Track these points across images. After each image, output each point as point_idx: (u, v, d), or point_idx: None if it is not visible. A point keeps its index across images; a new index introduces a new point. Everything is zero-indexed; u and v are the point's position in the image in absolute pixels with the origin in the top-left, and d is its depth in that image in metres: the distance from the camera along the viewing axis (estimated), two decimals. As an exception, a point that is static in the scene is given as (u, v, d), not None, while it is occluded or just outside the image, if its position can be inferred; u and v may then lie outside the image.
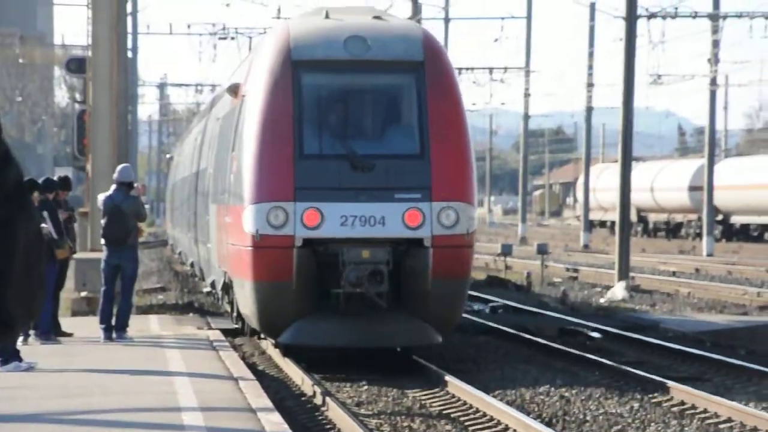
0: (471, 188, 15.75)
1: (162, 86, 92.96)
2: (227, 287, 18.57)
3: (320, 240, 15.36)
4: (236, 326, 19.22)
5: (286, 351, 16.24)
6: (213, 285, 21.20)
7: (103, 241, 17.33)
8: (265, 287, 15.45)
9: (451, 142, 15.65)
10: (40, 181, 16.87)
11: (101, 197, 17.39)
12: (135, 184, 17.53)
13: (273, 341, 16.56)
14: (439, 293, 15.22)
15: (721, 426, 12.42)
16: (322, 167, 15.51)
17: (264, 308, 15.58)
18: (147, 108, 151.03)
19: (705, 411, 13.12)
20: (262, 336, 18.56)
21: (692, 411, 13.22)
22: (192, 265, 28.19)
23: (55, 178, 17.97)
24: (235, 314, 18.74)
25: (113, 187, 17.29)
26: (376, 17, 16.74)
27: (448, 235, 15.35)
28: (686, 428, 12.31)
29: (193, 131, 29.92)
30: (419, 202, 15.38)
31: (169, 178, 48.24)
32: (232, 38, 46.27)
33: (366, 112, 16.27)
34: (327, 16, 16.57)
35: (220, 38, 47.74)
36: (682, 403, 13.62)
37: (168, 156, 68.95)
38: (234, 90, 17.75)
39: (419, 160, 15.55)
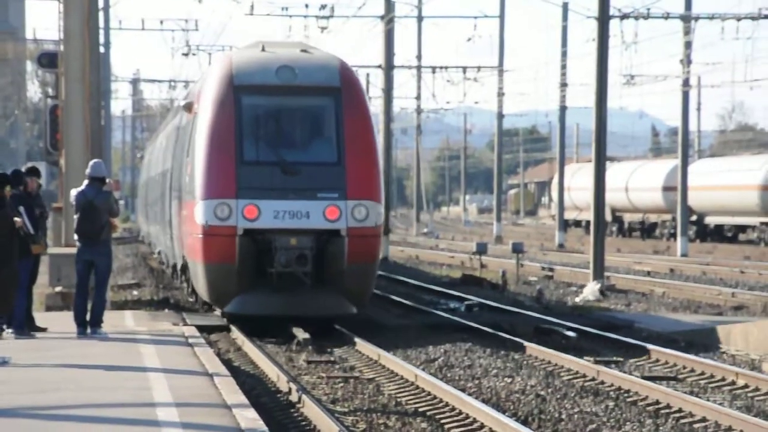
0: (379, 189, 19.71)
1: (135, 82, 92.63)
2: (184, 268, 22.18)
3: (257, 230, 19.20)
4: (191, 299, 23.01)
5: (231, 320, 19.82)
6: (174, 267, 25.47)
7: (76, 236, 17.23)
8: (213, 268, 19.32)
9: (362, 152, 19.58)
10: (9, 174, 16.71)
11: (74, 192, 17.29)
12: (108, 180, 17.44)
13: (221, 311, 20.10)
14: (353, 273, 19.13)
15: (696, 425, 12.44)
16: (258, 171, 19.39)
17: (212, 285, 19.47)
18: (120, 103, 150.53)
19: (680, 410, 13.14)
20: (235, 332, 18.95)
21: (667, 410, 13.25)
22: (159, 253, 32.54)
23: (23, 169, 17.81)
24: (189, 290, 22.84)
25: (86, 182, 17.20)
26: (303, 50, 20.85)
27: (360, 227, 19.25)
28: (661, 427, 12.33)
29: (161, 135, 33.79)
30: (337, 200, 19.27)
31: (141, 176, 52.07)
32: (194, 54, 48.96)
33: (293, 128, 20.11)
34: (263, 49, 20.74)
35: (184, 53, 49.16)
36: (657, 402, 13.64)
37: (139, 155, 69.70)
38: (188, 107, 21.61)
39: (337, 166, 19.50)
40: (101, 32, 37.42)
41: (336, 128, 19.73)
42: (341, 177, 19.40)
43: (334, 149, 19.66)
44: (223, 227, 19.16)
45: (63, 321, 18.10)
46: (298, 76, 19.95)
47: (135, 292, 27.91)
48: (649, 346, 18.15)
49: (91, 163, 17.57)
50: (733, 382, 15.22)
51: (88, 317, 17.01)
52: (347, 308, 19.35)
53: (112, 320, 18.70)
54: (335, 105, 19.79)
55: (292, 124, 20.13)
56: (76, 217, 17.12)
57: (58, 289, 21.84)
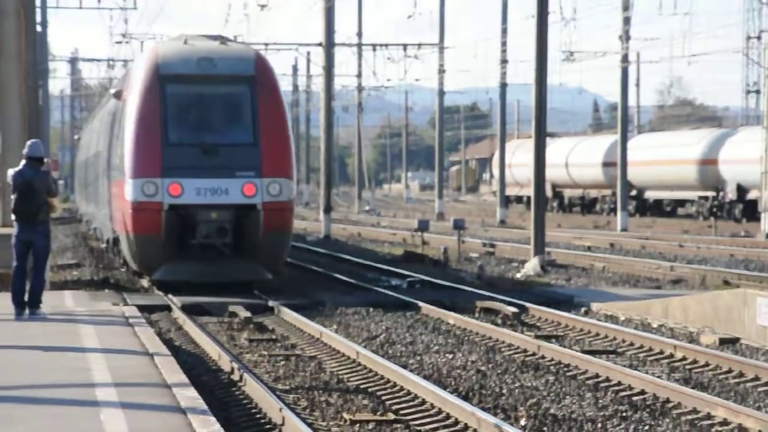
0: (291, 167, 21.66)
1: (73, 61, 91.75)
2: (116, 241, 24.43)
3: (181, 205, 21.19)
4: (122, 270, 25.65)
5: (159, 285, 21.90)
6: (108, 242, 27.49)
7: (13, 216, 17.06)
8: (141, 239, 21.46)
9: (275, 134, 21.57)
10: None
11: (11, 172, 17.10)
12: (46, 160, 17.27)
13: (148, 277, 22.33)
14: (268, 243, 21.30)
15: (635, 398, 12.56)
16: (181, 152, 21.32)
17: (140, 255, 21.70)
18: (59, 83, 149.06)
19: (619, 383, 13.26)
20: (176, 311, 18.92)
21: (606, 384, 13.36)
22: (96, 229, 34.32)
23: None
24: (121, 261, 25.30)
25: (23, 162, 17.02)
26: (222, 43, 22.85)
27: (274, 202, 21.34)
28: (600, 400, 12.43)
29: (96, 118, 36.26)
30: (253, 178, 21.28)
31: (78, 157, 54.84)
32: (127, 42, 50.33)
33: (213, 113, 21.98)
34: (186, 42, 22.75)
35: (118, 41, 49.85)
36: (597, 375, 13.75)
37: (76, 137, 70.33)
38: (118, 95, 23.83)
39: (252, 147, 21.48)
40: (38, 11, 37.01)
41: (251, 113, 21.77)
42: (257, 157, 21.43)
43: (250, 132, 21.66)
44: (150, 203, 21.22)
45: (0, 302, 17.92)
46: (217, 66, 22.01)
47: (75, 273, 27.70)
48: (589, 321, 18.30)
49: (28, 143, 17.37)
50: (672, 355, 15.38)
51: (26, 298, 16.86)
52: (263, 274, 21.62)
53: (52, 301, 18.56)
54: (250, 92, 21.82)
55: (212, 109, 22.01)
56: (13, 197, 16.94)
57: (-5, 270, 21.59)
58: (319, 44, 44.26)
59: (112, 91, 25.36)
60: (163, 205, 21.17)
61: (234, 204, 21.28)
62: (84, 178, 40.03)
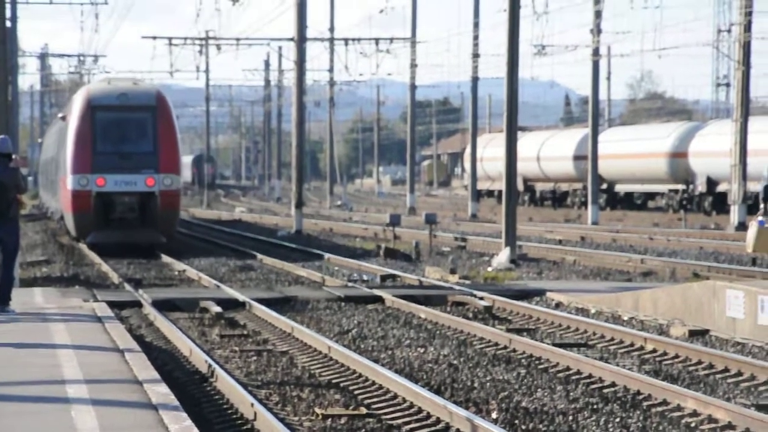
0: (178, 167, 32.28)
1: (43, 56, 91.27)
2: (62, 217, 35.20)
3: (104, 192, 31.54)
4: (67, 236, 36.33)
5: (91, 248, 31.49)
6: (59, 218, 37.86)
7: (-18, 213, 16.95)
8: (77, 216, 32.01)
9: (168, 145, 31.96)
10: None
11: (-21, 169, 16.98)
12: (14, 156, 17.16)
13: (85, 243, 32.37)
14: (163, 217, 31.59)
15: (606, 390, 12.61)
16: (105, 157, 31.64)
17: (77, 226, 32.28)
18: (28, 78, 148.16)
19: (590, 376, 13.31)
20: (146, 307, 18.88)
21: (578, 376, 13.41)
22: (52, 213, 44.54)
23: None
24: (65, 230, 35.98)
25: (-8, 158, 16.90)
26: (134, 83, 34.17)
27: (167, 190, 31.62)
28: (572, 393, 12.48)
29: (53, 129, 47.07)
30: (153, 174, 31.58)
31: (41, 157, 64.12)
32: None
33: (127, 131, 32.17)
34: (109, 83, 34.23)
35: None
36: (568, 368, 13.80)
37: (39, 140, 71.74)
38: (64, 118, 35.19)
39: (153, 154, 31.81)
40: (8, 6, 36.76)
41: (152, 131, 32.09)
42: (155, 160, 31.71)
43: (151, 143, 31.96)
44: (84, 191, 31.58)
45: (-29, 299, 17.79)
46: (130, 99, 32.46)
47: (44, 269, 27.60)
48: (560, 314, 18.35)
49: (-4, 138, 17.27)
50: (642, 347, 15.44)
51: (-4, 295, 16.76)
52: (160, 239, 31.50)
53: (21, 297, 18.47)
54: (152, 117, 32.21)
55: (126, 128, 32.15)
56: (-19, 193, 16.82)
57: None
58: (291, 39, 44.20)
59: (60, 115, 37.58)
60: (92, 192, 31.55)
61: (140, 191, 31.58)
62: (44, 175, 50.87)
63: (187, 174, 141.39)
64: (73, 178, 31.56)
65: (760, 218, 17.77)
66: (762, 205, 17.86)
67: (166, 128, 32.03)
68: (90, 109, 32.04)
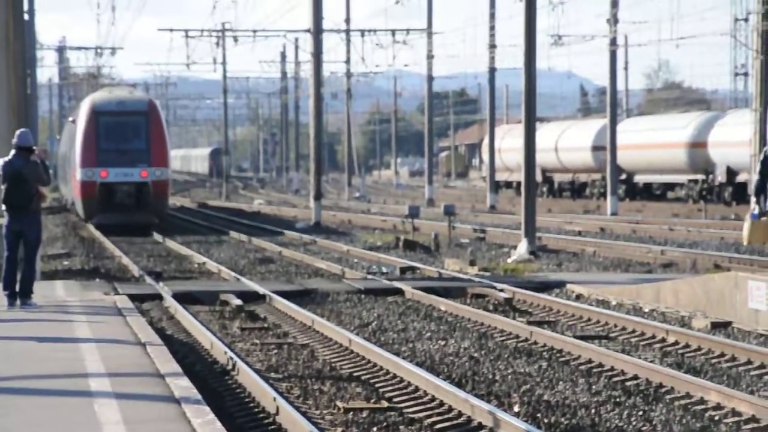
0: (167, 161, 39.62)
1: (61, 49, 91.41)
2: (73, 203, 42.78)
3: (107, 183, 38.74)
4: (77, 218, 44.34)
5: (97, 228, 38.17)
6: (71, 204, 45.04)
7: (3, 207, 16.99)
8: (85, 201, 39.26)
9: (158, 143, 39.23)
10: None
11: (0, 162, 17.03)
12: (35, 149, 17.19)
13: (92, 224, 39.38)
14: (155, 202, 38.78)
15: (628, 383, 12.57)
16: (108, 154, 38.79)
17: (85, 209, 39.56)
18: (47, 71, 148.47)
19: (612, 369, 13.27)
20: (167, 300, 18.90)
21: (599, 369, 13.37)
22: (66, 201, 50.26)
23: None
24: (76, 214, 43.50)
25: (12, 152, 16.94)
26: (130, 92, 42.98)
27: (158, 180, 38.86)
28: (593, 386, 12.45)
29: (66, 130, 53.74)
30: (146, 167, 38.70)
31: (59, 151, 68.99)
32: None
33: (125, 132, 39.31)
34: (110, 92, 42.35)
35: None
36: (590, 361, 13.76)
37: (57, 137, 73.73)
38: (73, 121, 42.68)
39: (146, 151, 38.98)
40: (25, -1, 36.77)
41: (145, 131, 39.35)
42: (148, 156, 38.93)
43: (144, 142, 39.19)
44: (90, 181, 38.96)
45: (-8, 293, 17.85)
46: (127, 106, 40.01)
47: (65, 262, 27.66)
48: (581, 306, 18.30)
49: (17, 132, 17.30)
50: (664, 339, 15.39)
51: (17, 288, 16.81)
52: (153, 219, 38.46)
53: (43, 291, 18.52)
54: (145, 120, 39.45)
55: (124, 130, 39.32)
56: (3, 187, 16.88)
57: (-14, 260, 21.50)
58: (308, 30, 44.18)
59: (70, 119, 45.99)
60: (97, 182, 38.78)
61: (136, 181, 38.77)
62: (62, 168, 57.45)
63: (203, 166, 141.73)
64: (81, 170, 38.92)
65: (754, 212, 17.71)
66: (753, 199, 17.82)
67: (156, 129, 39.38)
68: (94, 114, 39.45)
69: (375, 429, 10.58)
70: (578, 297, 20.37)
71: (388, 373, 12.98)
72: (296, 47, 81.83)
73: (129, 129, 39.26)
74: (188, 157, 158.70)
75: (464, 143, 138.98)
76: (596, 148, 63.75)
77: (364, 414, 11.09)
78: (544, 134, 65.75)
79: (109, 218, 38.22)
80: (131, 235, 36.32)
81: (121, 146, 38.81)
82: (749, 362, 13.68)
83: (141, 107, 39.85)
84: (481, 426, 10.44)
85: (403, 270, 24.39)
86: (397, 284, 21.17)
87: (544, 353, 14.46)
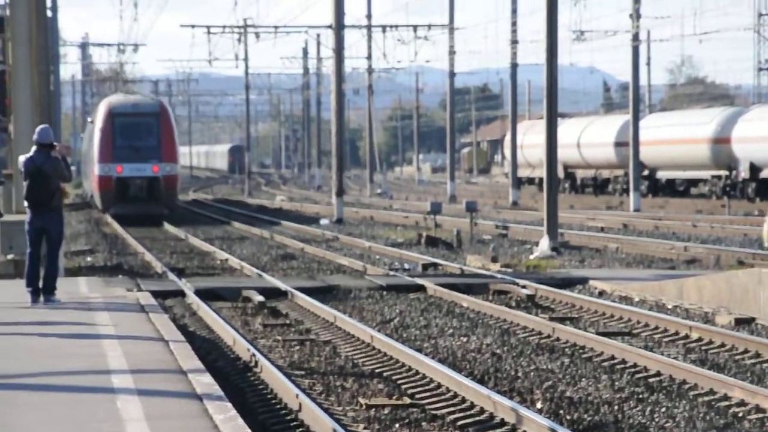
0: (176, 157, 44.09)
1: (84, 46, 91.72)
2: (92, 196, 47.23)
3: (122, 177, 42.88)
4: (95, 209, 48.43)
5: (114, 218, 41.92)
6: (90, 197, 49.83)
7: (25, 203, 17.04)
8: (103, 194, 43.52)
9: (168, 141, 43.57)
10: None
11: (22, 159, 17.06)
12: (56, 145, 17.20)
13: (110, 215, 43.31)
14: (166, 196, 43.05)
15: (651, 379, 12.53)
16: (123, 150, 43.09)
17: (103, 201, 43.78)
18: (69, 68, 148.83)
19: (635, 365, 13.23)
20: (190, 296, 18.93)
21: (622, 365, 13.33)
22: (87, 194, 55.39)
23: None
24: (94, 205, 47.23)
25: (33, 148, 16.98)
26: (143, 96, 50.68)
27: (168, 175, 43.13)
28: (616, 382, 12.41)
29: (87, 129, 57.95)
30: (157, 163, 42.86)
31: (82, 148, 71.35)
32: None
33: (138, 131, 43.44)
34: (125, 95, 47.90)
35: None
36: (613, 357, 13.72)
37: (81, 135, 75.11)
38: (92, 121, 46.94)
39: (157, 148, 43.17)
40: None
41: (157, 131, 43.54)
42: (159, 152, 43.10)
43: (156, 140, 43.36)
44: (107, 176, 43.12)
45: (15, 289, 17.94)
46: (140, 108, 44.53)
47: (88, 259, 27.74)
48: (604, 302, 18.26)
49: (37, 129, 17.31)
50: (687, 336, 15.33)
51: (41, 285, 16.85)
52: (163, 210, 42.42)
53: (66, 287, 18.56)
54: (157, 121, 43.72)
55: (138, 129, 43.53)
56: (25, 184, 16.91)
57: (9, 257, 21.64)
58: (329, 26, 44.18)
59: (89, 120, 52.15)
60: (113, 176, 42.91)
61: (148, 176, 42.81)
62: (84, 165, 61.52)
63: (223, 163, 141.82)
64: (99, 166, 43.32)
65: None
66: None
67: (167, 129, 43.81)
68: (111, 115, 44.03)
69: (397, 425, 10.58)
70: (601, 293, 20.31)
71: (410, 369, 12.97)
72: (318, 43, 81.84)
73: (142, 128, 43.50)
74: (209, 154, 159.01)
75: (486, 139, 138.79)
76: (619, 144, 63.55)
77: (387, 410, 11.08)
78: (566, 130, 65.53)
79: (123, 209, 42.33)
80: (145, 225, 40.25)
81: (135, 144, 43.01)
82: (773, 359, 13.61)
83: (153, 109, 44.48)
84: (503, 423, 10.42)
85: (425, 266, 24.37)
86: (419, 281, 21.15)
87: (567, 350, 14.42)
